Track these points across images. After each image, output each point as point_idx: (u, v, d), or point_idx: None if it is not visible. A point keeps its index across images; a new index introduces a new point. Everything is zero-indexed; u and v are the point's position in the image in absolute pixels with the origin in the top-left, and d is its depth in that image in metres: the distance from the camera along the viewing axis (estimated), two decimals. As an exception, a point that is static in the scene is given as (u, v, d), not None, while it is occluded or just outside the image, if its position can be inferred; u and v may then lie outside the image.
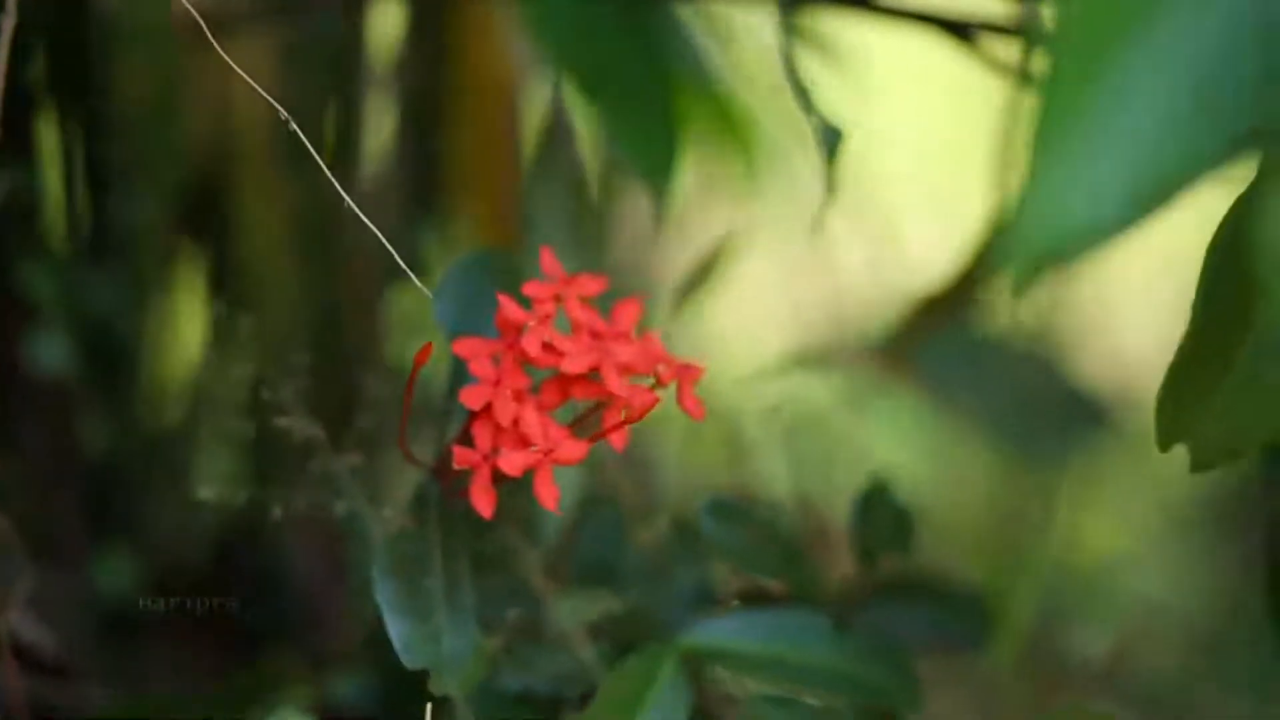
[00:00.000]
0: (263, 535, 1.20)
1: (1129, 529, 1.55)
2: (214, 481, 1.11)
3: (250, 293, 1.21)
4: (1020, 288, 0.52)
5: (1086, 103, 0.52)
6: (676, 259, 1.34)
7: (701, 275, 1.22)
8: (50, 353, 1.09)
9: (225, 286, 1.22)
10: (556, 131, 1.03)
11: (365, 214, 1.30)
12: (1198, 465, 0.74)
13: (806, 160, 1.10)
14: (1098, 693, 1.29)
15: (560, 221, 1.08)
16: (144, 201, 1.12)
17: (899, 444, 1.38)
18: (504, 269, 0.91)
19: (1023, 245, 0.52)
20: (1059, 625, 1.36)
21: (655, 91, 1.07)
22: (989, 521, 1.34)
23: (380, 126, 1.30)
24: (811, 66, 1.16)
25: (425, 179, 1.28)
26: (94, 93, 1.10)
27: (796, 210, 1.37)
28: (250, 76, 1.21)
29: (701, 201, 1.42)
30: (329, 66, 1.26)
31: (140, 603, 1.12)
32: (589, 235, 1.09)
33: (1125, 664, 1.33)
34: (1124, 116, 0.51)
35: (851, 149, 0.92)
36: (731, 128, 1.33)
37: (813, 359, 1.29)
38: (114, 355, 1.12)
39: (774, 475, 1.23)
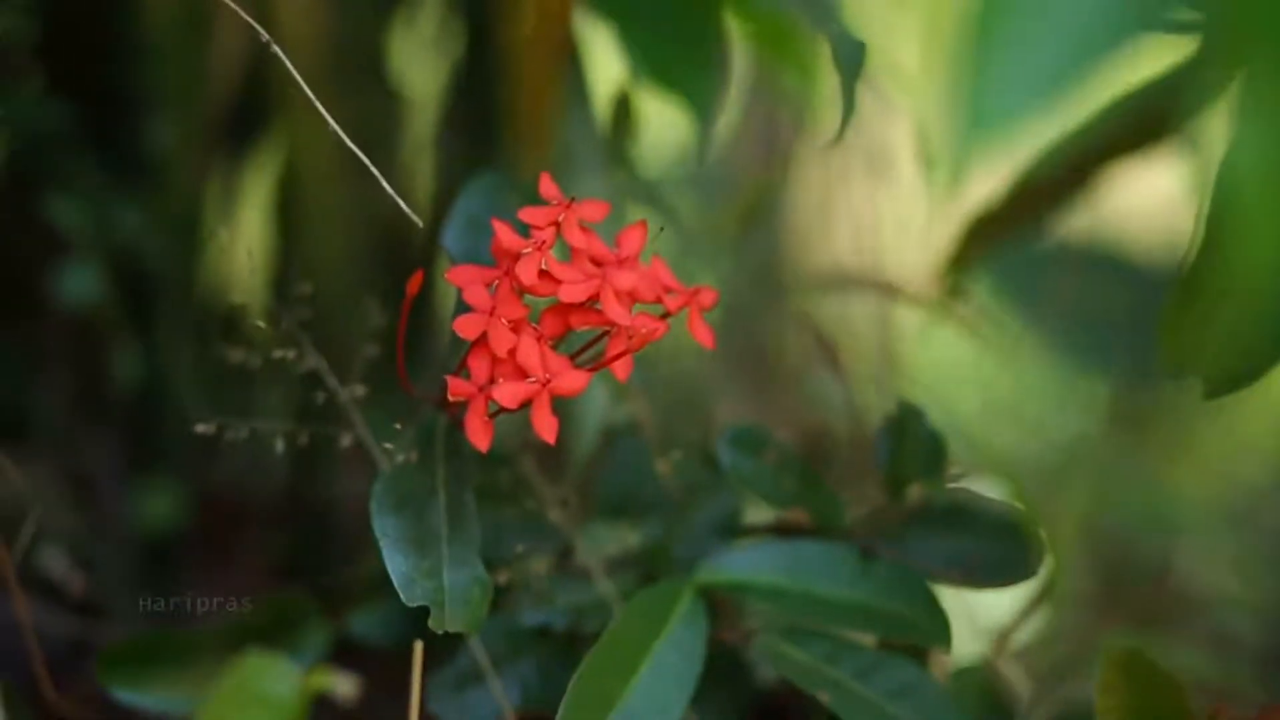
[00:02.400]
0: (308, 468, 1.19)
1: (1221, 459, 1.50)
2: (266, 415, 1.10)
3: (297, 220, 1.19)
4: (961, 168, 0.50)
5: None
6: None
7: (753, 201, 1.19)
8: (80, 284, 1.07)
9: (265, 212, 1.20)
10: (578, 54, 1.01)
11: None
12: (1210, 393, 0.71)
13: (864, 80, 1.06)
14: (1174, 631, 1.26)
15: (591, 145, 1.06)
16: (173, 127, 1.10)
17: (949, 371, 1.34)
18: (521, 192, 0.88)
19: (970, 125, 0.50)
20: (1144, 560, 1.32)
21: (695, 14, 1.04)
22: (1044, 452, 1.30)
23: (441, 53, 1.27)
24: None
25: (485, 108, 1.25)
26: (120, 19, 1.08)
27: (855, 131, 1.33)
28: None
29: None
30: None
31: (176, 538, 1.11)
32: (617, 158, 1.06)
33: (1207, 605, 1.29)
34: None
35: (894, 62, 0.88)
36: (787, 47, 1.29)
37: (857, 283, 1.26)
38: (145, 285, 1.10)
39: (825, 402, 1.20)
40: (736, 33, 1.16)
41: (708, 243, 1.19)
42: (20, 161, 1.06)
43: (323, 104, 0.90)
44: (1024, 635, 1.10)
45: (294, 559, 1.19)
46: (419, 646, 0.82)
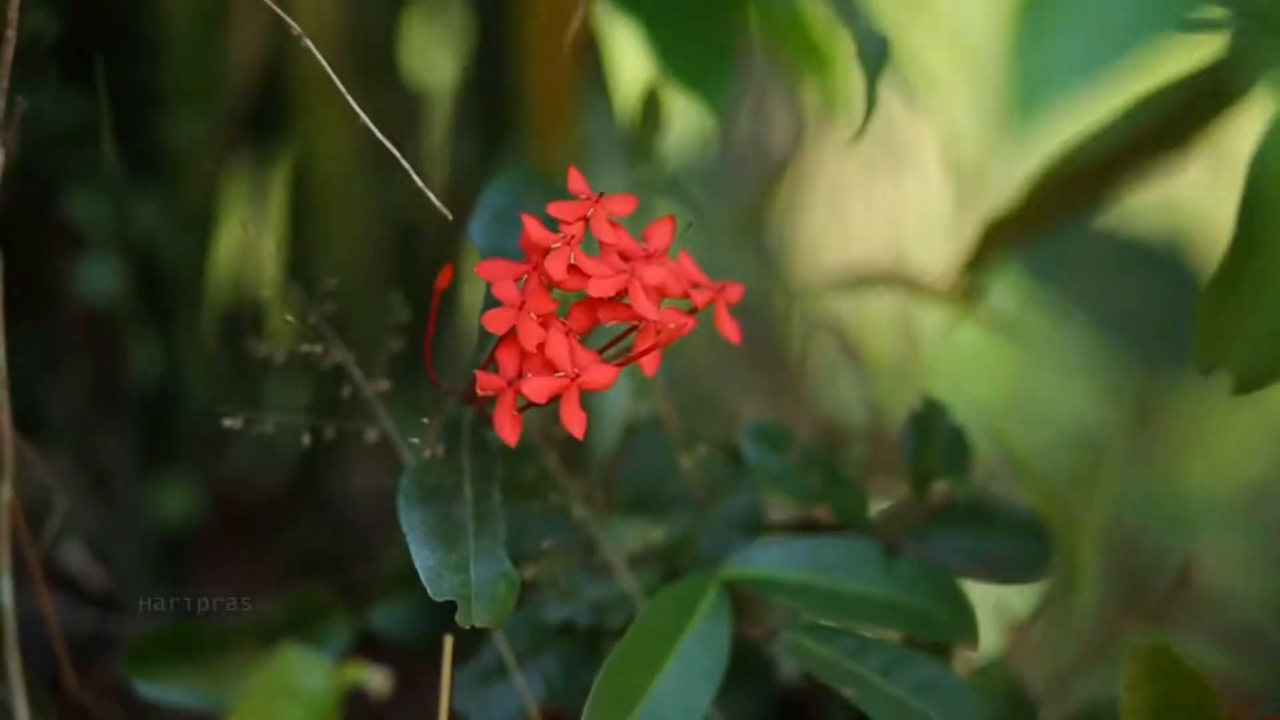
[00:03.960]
0: (327, 463, 1.19)
1: (1244, 456, 1.50)
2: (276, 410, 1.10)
3: (313, 216, 1.19)
4: (1019, 140, 0.51)
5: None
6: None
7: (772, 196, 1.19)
8: (98, 279, 1.07)
9: (285, 209, 1.20)
10: (599, 49, 1.01)
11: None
12: (1240, 388, 0.71)
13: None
14: (1188, 628, 1.25)
15: (611, 140, 1.05)
16: (191, 123, 1.09)
17: (970, 367, 1.34)
18: (546, 188, 0.88)
19: (1017, 99, 0.50)
20: (1157, 556, 1.32)
21: (718, 11, 1.03)
22: (1062, 449, 1.30)
23: (454, 49, 1.27)
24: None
25: (498, 104, 1.25)
26: (138, 15, 1.07)
27: (876, 128, 1.33)
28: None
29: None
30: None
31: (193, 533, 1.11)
32: (642, 154, 1.06)
33: (1222, 602, 1.29)
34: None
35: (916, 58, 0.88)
36: (807, 42, 1.29)
37: (878, 280, 1.25)
38: (163, 280, 1.10)
39: (845, 399, 1.20)
40: (757, 27, 1.16)
41: (727, 237, 1.18)
42: (38, 156, 1.05)
43: (339, 100, 0.90)
44: (1041, 630, 1.10)
45: (310, 554, 1.18)
46: (449, 641, 0.81)
